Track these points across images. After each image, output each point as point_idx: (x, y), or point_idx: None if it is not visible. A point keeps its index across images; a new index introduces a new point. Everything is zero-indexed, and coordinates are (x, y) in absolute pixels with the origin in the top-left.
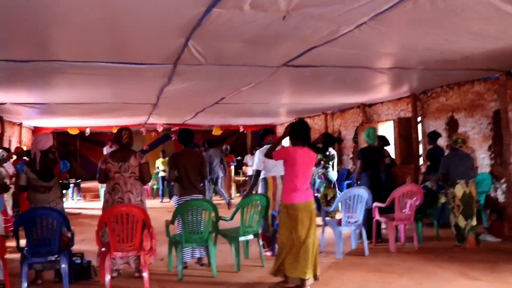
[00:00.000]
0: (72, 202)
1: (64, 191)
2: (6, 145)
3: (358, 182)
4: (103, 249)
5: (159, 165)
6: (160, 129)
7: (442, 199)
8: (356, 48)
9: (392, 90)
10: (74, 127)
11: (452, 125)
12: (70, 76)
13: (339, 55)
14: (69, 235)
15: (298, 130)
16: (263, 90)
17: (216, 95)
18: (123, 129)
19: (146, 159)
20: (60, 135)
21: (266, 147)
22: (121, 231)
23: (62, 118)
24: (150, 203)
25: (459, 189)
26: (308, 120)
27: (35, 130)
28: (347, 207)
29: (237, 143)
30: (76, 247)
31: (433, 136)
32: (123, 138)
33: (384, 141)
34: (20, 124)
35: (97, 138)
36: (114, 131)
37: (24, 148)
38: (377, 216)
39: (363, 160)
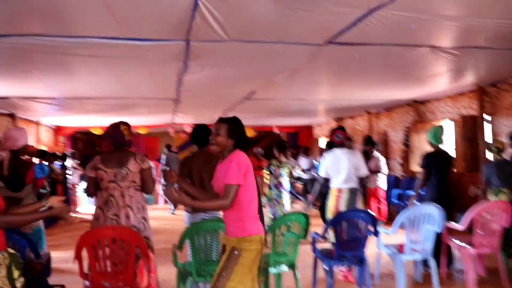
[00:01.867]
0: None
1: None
2: None
3: (421, 195)
4: (86, 282)
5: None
6: (188, 129)
7: None
8: (417, 11)
9: (453, 81)
10: (97, 126)
11: None
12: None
13: (395, 25)
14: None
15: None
16: (301, 80)
17: (245, 87)
18: (120, 123)
19: (150, 164)
20: (86, 135)
21: (345, 150)
22: (105, 262)
23: (82, 116)
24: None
25: None
26: (350, 121)
27: (57, 130)
28: (412, 229)
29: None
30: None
31: None
32: (122, 134)
33: (371, 143)
34: (37, 122)
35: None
36: (140, 131)
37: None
38: (448, 240)
39: (427, 168)
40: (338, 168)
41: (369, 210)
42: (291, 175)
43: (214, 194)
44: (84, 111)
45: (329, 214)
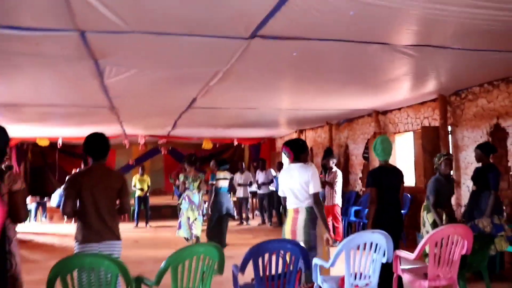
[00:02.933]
0: (35, 224)
1: None
2: None
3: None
4: None
5: (136, 183)
6: (142, 141)
7: (502, 245)
8: None
9: (413, 89)
10: (44, 137)
11: (498, 135)
12: None
13: (332, 13)
14: None
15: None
16: (240, 85)
17: (180, 93)
18: None
19: (23, 185)
20: (37, 146)
21: (298, 165)
22: None
23: (23, 125)
24: (123, 228)
25: None
26: (311, 133)
27: None
28: (354, 261)
29: (233, 159)
30: None
31: (486, 149)
32: None
33: (329, 155)
34: None
35: (77, 150)
36: None
37: None
38: (399, 271)
39: (375, 186)
40: (291, 185)
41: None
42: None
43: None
44: (19, 120)
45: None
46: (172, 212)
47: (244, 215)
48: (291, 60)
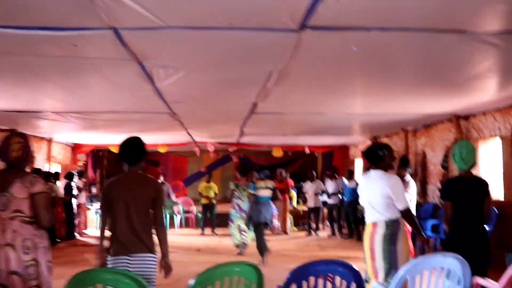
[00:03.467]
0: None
1: None
2: None
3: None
4: None
5: (202, 191)
6: (211, 148)
7: None
8: None
9: (501, 89)
10: (115, 144)
11: None
12: None
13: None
14: None
15: None
16: (300, 87)
17: (238, 97)
18: (12, 135)
19: (44, 188)
20: (112, 153)
21: (377, 174)
22: None
23: (94, 133)
24: (189, 234)
25: None
26: (385, 140)
27: (75, 147)
28: None
29: (305, 167)
30: None
31: None
32: (8, 149)
33: (404, 164)
34: (50, 140)
35: (150, 157)
36: (160, 150)
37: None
38: None
39: (451, 200)
40: (368, 196)
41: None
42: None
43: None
44: (86, 128)
45: (366, 256)
46: None
47: (314, 226)
48: (352, 57)
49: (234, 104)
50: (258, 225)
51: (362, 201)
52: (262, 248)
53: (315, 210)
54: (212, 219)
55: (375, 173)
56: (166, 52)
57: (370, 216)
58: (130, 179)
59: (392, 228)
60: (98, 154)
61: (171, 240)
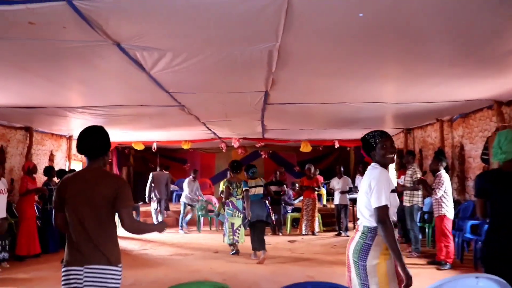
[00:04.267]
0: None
1: None
2: (46, 159)
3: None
4: None
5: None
6: (236, 144)
7: None
8: None
9: None
10: (138, 141)
11: None
12: None
13: None
14: None
15: None
16: (310, 71)
17: (244, 84)
18: None
19: None
20: (139, 151)
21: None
22: None
23: (112, 129)
24: (208, 235)
25: None
26: (419, 132)
27: None
28: None
29: (337, 163)
30: None
31: None
32: None
33: (438, 158)
34: (69, 137)
35: (177, 155)
36: (184, 146)
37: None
38: None
39: (481, 196)
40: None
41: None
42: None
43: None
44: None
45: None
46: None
47: (342, 225)
48: (363, 29)
49: (243, 96)
50: (253, 224)
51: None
52: (256, 244)
53: (342, 208)
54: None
55: (369, 167)
56: (141, 29)
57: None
58: (86, 176)
59: (368, 237)
60: (124, 152)
61: (193, 241)
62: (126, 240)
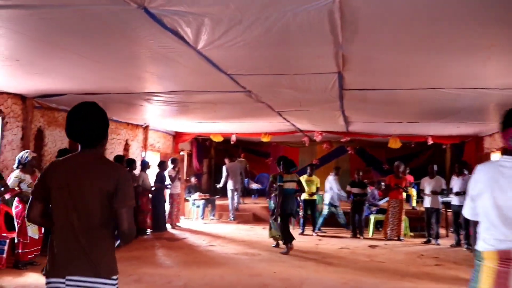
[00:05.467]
0: (200, 222)
1: None
2: (120, 148)
3: None
4: None
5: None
6: (318, 138)
7: None
8: None
9: None
10: (216, 133)
11: None
12: None
13: None
14: None
15: None
16: (386, 43)
17: (311, 65)
18: None
19: None
20: (221, 144)
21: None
22: None
23: (187, 119)
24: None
25: None
26: None
27: (176, 136)
28: None
29: (431, 162)
30: None
31: None
32: None
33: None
34: (146, 127)
35: (259, 148)
36: (263, 139)
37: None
38: None
39: None
40: (505, 200)
41: None
42: None
43: None
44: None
45: None
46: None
47: (433, 231)
48: None
49: (313, 79)
50: (284, 216)
51: (487, 207)
52: (286, 236)
53: (433, 212)
54: (314, 217)
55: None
56: None
57: (498, 237)
58: (78, 162)
59: None
60: (204, 144)
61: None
62: (195, 235)
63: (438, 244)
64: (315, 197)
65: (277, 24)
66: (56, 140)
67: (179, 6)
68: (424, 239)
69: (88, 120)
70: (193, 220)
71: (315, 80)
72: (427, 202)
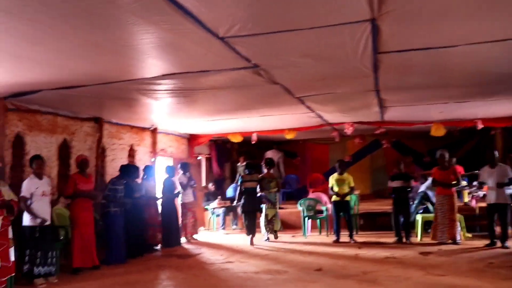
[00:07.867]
0: (221, 233)
1: None
2: (124, 155)
3: None
4: None
5: (333, 185)
6: (349, 130)
7: None
8: None
9: None
10: (235, 132)
11: None
12: None
13: None
14: None
15: None
16: None
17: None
18: None
19: None
20: (244, 146)
21: None
22: None
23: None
24: (315, 239)
25: None
26: None
27: (191, 139)
28: None
29: (478, 151)
30: None
31: None
32: None
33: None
34: (154, 130)
35: (285, 147)
36: (287, 136)
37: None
38: None
39: None
40: None
41: None
42: None
43: None
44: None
45: None
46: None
47: (499, 232)
48: None
49: (336, 33)
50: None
51: None
52: (249, 230)
53: (499, 208)
54: (350, 221)
55: None
56: None
57: None
58: None
59: None
60: (225, 147)
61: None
62: (212, 249)
63: (507, 248)
64: (348, 198)
65: None
66: (41, 147)
67: None
68: (487, 242)
69: None
70: (214, 231)
71: (340, 36)
72: (492, 197)
